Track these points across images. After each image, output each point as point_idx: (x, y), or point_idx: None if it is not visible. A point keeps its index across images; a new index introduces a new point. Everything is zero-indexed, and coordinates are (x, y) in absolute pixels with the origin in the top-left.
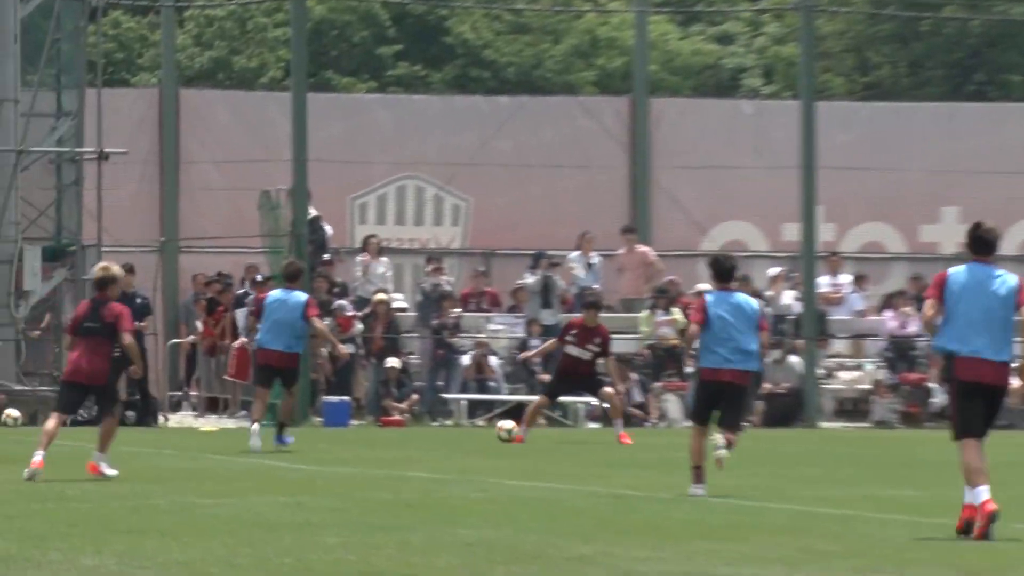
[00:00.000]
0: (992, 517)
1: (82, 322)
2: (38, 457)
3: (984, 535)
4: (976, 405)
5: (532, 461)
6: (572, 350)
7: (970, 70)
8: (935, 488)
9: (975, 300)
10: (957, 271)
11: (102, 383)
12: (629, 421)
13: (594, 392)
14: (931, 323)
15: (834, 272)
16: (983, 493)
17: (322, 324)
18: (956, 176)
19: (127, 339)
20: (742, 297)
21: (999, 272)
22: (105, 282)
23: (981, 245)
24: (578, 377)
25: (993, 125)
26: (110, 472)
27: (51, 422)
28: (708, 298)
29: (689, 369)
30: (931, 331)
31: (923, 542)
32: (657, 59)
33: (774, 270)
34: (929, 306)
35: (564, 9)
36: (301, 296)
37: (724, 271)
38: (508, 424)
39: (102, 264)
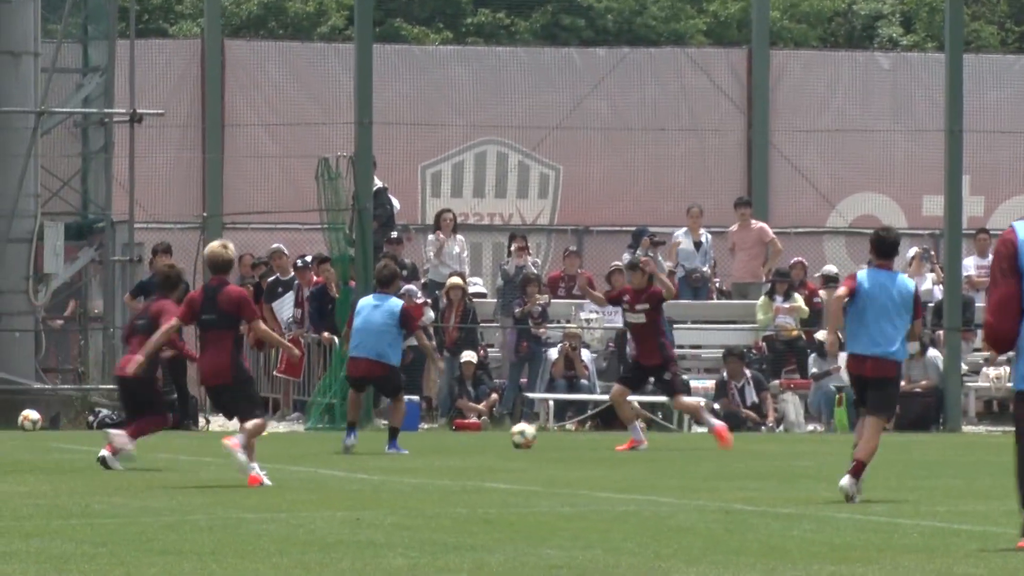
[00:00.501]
0: None
1: (199, 313)
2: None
3: None
4: None
5: (629, 471)
6: (628, 316)
7: None
8: None
9: None
10: None
11: (228, 382)
12: (741, 424)
13: (668, 393)
14: None
15: (982, 253)
16: None
17: (425, 339)
18: None
19: (260, 326)
20: (901, 278)
21: None
22: (226, 267)
23: None
24: (647, 352)
25: None
26: (267, 481)
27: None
28: (861, 273)
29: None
30: None
31: None
32: (779, 4)
33: (912, 250)
34: None
35: None
36: (396, 303)
37: (885, 246)
38: (522, 427)
39: (221, 242)
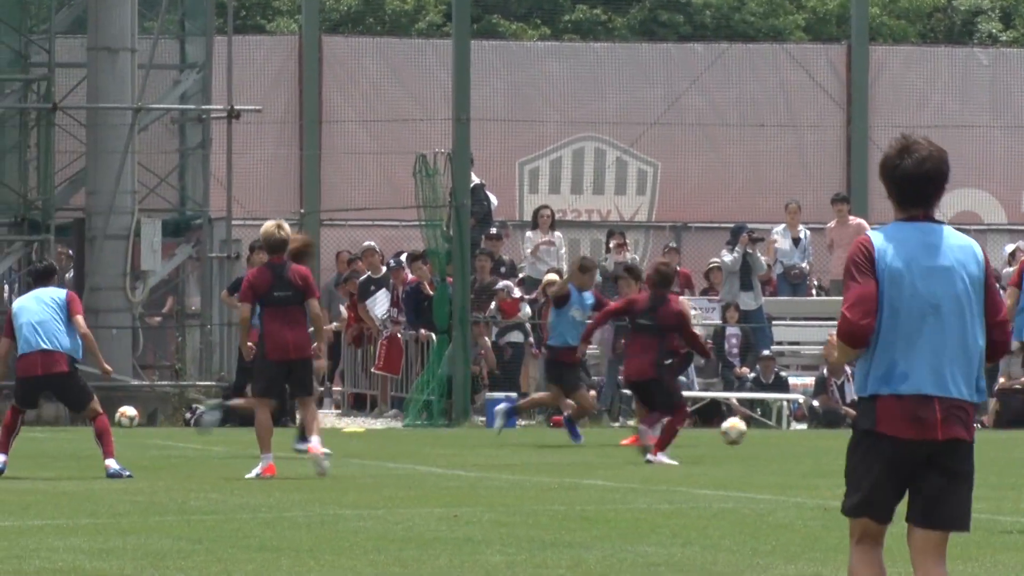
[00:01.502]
0: None
1: (271, 290)
2: (268, 461)
3: None
4: None
5: (728, 468)
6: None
7: None
8: None
9: None
10: None
11: (307, 357)
12: (840, 421)
13: None
14: None
15: None
16: None
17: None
18: None
19: (316, 307)
20: None
21: None
22: (282, 246)
23: None
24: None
25: None
26: (326, 464)
27: (263, 414)
28: None
29: None
30: None
31: None
32: (878, 0)
33: (1011, 246)
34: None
35: None
36: (589, 297)
37: None
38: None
39: (275, 222)
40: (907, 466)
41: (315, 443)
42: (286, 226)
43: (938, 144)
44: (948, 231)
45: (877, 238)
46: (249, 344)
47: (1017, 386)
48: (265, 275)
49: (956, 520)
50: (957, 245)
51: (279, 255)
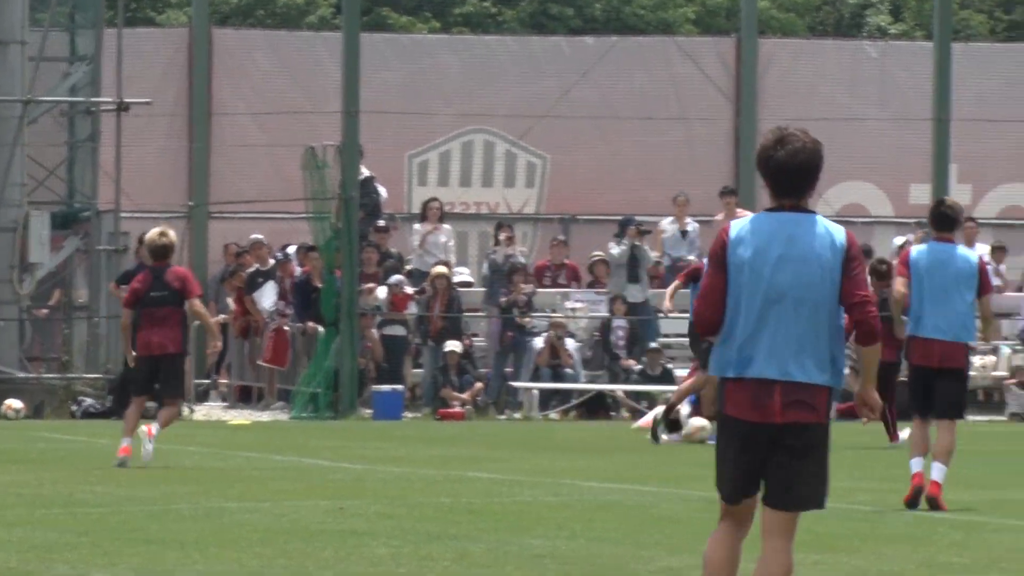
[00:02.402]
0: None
1: (147, 292)
2: (124, 443)
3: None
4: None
5: (614, 460)
6: None
7: None
8: None
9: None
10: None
11: (175, 351)
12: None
13: None
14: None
15: (969, 242)
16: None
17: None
18: None
19: (198, 305)
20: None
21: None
22: (165, 252)
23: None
24: None
25: None
26: (148, 447)
27: (131, 407)
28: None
29: None
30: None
31: None
32: None
33: (900, 238)
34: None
35: None
36: None
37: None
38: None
39: (159, 230)
40: (755, 448)
41: (153, 428)
42: (170, 233)
43: (815, 137)
44: (811, 220)
45: (734, 228)
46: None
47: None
48: (147, 279)
49: (803, 500)
50: (817, 233)
51: (161, 260)
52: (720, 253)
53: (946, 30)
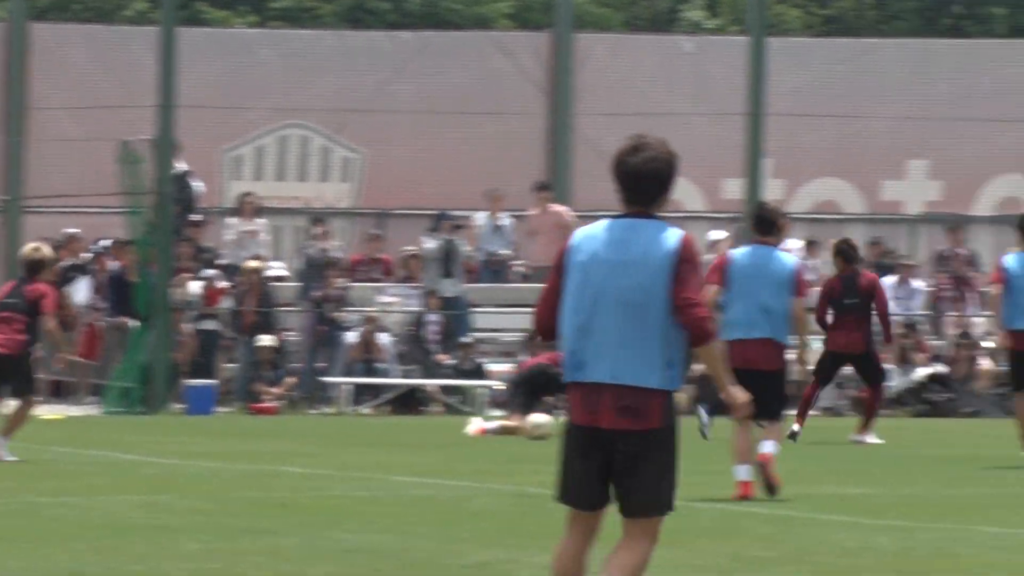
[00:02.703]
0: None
1: (3, 298)
2: None
3: None
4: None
5: (426, 455)
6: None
7: (945, 2)
8: (884, 485)
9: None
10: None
11: (16, 353)
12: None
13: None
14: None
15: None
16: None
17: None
18: (926, 125)
19: (49, 323)
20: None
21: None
22: (35, 266)
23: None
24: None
25: (970, 65)
26: (9, 458)
27: None
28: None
29: None
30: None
31: (867, 547)
32: None
33: (715, 233)
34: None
35: None
36: None
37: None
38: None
39: (33, 245)
40: (592, 454)
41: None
42: (44, 248)
43: (641, 131)
44: (653, 226)
45: (578, 233)
46: None
47: None
48: (8, 288)
49: (643, 507)
50: (653, 238)
51: (32, 275)
52: (561, 257)
53: (760, 25)
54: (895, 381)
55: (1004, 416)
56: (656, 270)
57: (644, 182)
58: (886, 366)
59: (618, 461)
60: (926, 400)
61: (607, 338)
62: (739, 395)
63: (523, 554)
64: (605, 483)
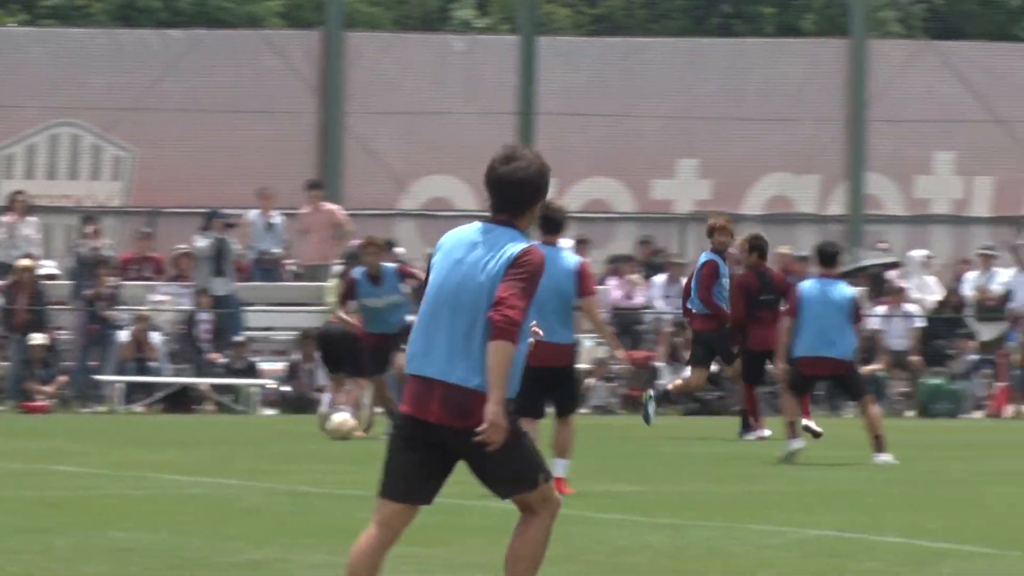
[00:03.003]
0: None
1: None
2: None
3: None
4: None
5: (197, 454)
6: None
7: (714, 1)
8: (656, 483)
9: None
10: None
11: None
12: (309, 406)
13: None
14: None
15: None
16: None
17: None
18: (696, 124)
19: None
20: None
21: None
22: None
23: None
24: None
25: (739, 64)
26: None
27: None
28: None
29: None
30: None
31: (642, 545)
32: None
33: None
34: None
35: None
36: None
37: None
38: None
39: None
40: (416, 447)
41: None
42: None
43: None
44: (505, 233)
45: (447, 234)
46: None
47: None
48: None
49: (508, 488)
50: (499, 245)
51: None
52: (430, 259)
53: (531, 23)
54: (665, 379)
55: (773, 415)
56: (490, 274)
57: (509, 190)
58: (656, 364)
59: (460, 455)
60: (697, 399)
61: (437, 336)
62: (492, 414)
63: (295, 553)
64: (424, 480)
